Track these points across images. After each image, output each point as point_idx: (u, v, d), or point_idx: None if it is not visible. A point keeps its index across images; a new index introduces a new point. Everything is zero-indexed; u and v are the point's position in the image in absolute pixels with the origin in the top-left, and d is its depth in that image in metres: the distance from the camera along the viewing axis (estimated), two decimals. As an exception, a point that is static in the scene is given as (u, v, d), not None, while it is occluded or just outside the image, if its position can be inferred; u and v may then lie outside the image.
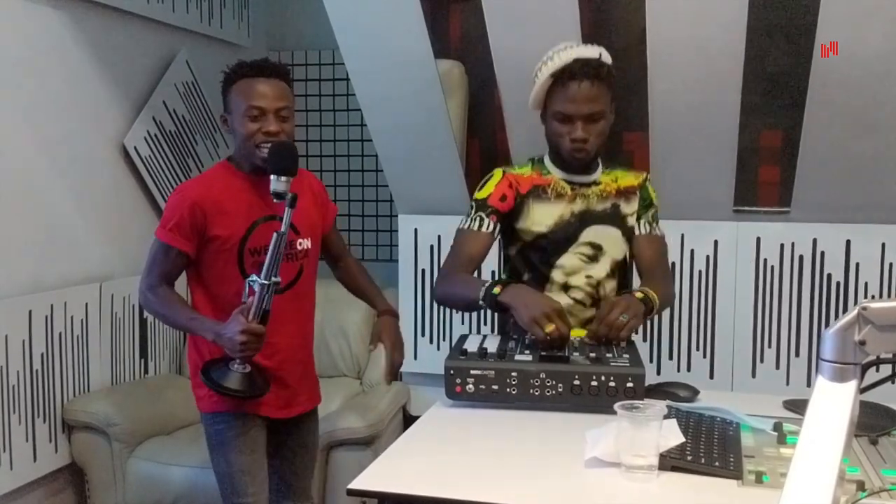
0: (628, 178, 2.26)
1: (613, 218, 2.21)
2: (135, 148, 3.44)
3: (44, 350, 2.98)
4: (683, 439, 1.44)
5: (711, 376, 3.27)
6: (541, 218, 2.18)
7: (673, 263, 3.11)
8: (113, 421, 3.05)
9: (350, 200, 4.36)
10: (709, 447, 1.48)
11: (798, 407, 1.78)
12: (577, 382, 1.72)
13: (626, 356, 1.81)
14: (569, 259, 2.18)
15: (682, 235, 3.26)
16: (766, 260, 3.20)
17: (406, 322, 3.55)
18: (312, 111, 4.39)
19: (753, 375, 3.24)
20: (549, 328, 1.85)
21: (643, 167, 3.37)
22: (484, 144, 3.69)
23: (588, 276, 2.18)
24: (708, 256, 3.25)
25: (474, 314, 3.47)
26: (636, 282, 2.27)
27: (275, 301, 2.10)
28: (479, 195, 2.22)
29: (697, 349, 3.30)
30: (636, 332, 2.00)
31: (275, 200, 2.06)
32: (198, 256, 2.18)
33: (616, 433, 1.42)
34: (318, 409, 2.49)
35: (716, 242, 3.24)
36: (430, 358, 3.53)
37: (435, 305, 3.53)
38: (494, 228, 2.19)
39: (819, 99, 2.83)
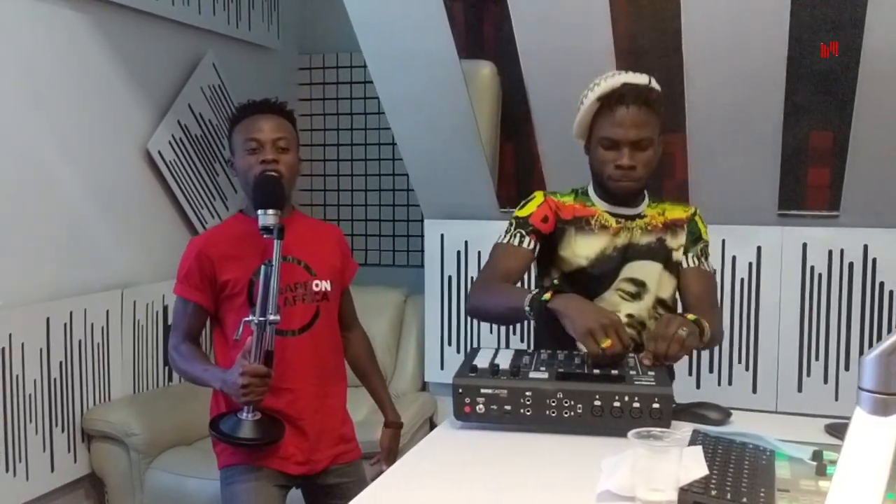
0: (676, 212, 2.13)
1: (658, 252, 2.07)
2: (159, 152, 3.38)
3: (62, 358, 2.93)
4: (707, 471, 1.29)
5: (754, 391, 3.10)
6: (583, 250, 2.05)
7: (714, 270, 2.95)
8: (131, 431, 2.99)
9: (380, 205, 4.27)
10: (737, 480, 1.33)
11: (842, 432, 1.62)
12: (597, 403, 1.58)
13: (652, 374, 1.67)
14: (609, 296, 2.05)
15: (724, 241, 3.09)
16: (813, 267, 3.02)
17: (432, 330, 3.44)
18: (343, 115, 4.32)
19: (800, 390, 3.06)
20: (606, 343, 1.67)
21: (676, 169, 3.25)
22: (518, 147, 3.57)
23: (630, 316, 2.04)
24: (751, 263, 3.08)
25: (502, 327, 3.33)
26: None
27: (290, 344, 2.03)
28: (519, 213, 2.11)
29: (739, 361, 3.12)
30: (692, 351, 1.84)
31: (264, 236, 1.97)
32: (216, 309, 2.12)
33: (632, 463, 1.28)
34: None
35: (759, 248, 3.07)
36: (456, 367, 3.39)
37: (462, 313, 3.40)
38: (535, 248, 2.07)
39: (868, 97, 2.65)
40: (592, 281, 2.05)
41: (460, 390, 1.63)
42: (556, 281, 2.03)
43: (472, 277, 3.35)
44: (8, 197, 2.75)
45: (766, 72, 2.68)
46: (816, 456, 1.45)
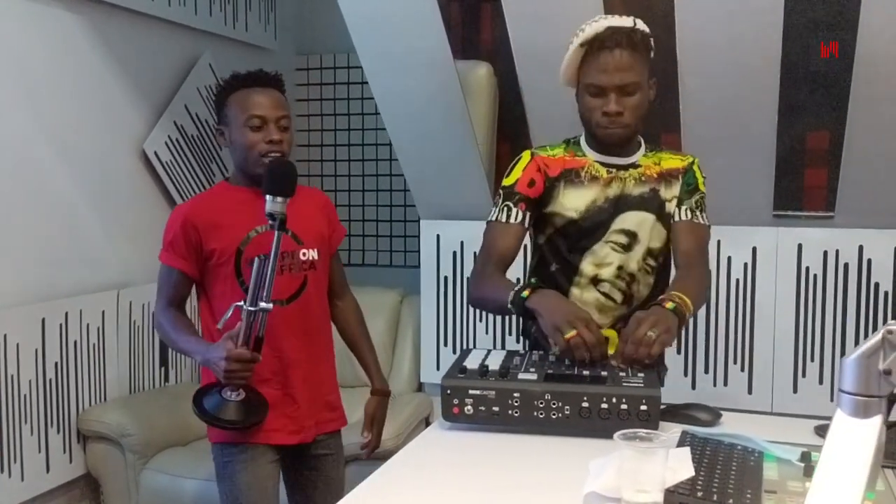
0: (673, 161, 2.07)
1: (650, 203, 2.02)
2: (155, 153, 3.39)
3: (58, 359, 2.93)
4: (693, 473, 1.29)
5: (750, 391, 3.10)
6: (571, 203, 2.02)
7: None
8: (127, 431, 2.99)
9: (376, 205, 4.27)
10: (723, 481, 1.33)
11: (830, 433, 1.62)
12: (585, 405, 1.58)
13: (641, 375, 1.66)
14: (601, 248, 2.02)
15: (719, 242, 3.09)
16: (808, 268, 3.01)
17: (428, 331, 3.44)
18: (341, 115, 4.31)
19: (795, 391, 3.05)
20: (570, 333, 1.69)
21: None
22: (515, 147, 3.56)
23: (619, 268, 2.02)
24: (746, 264, 3.08)
25: (500, 320, 3.34)
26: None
27: (278, 313, 2.01)
28: (506, 181, 2.07)
29: (735, 362, 3.12)
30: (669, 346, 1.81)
31: (269, 221, 1.96)
32: (202, 276, 2.11)
33: (618, 465, 1.28)
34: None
35: (754, 249, 3.06)
36: (453, 369, 3.41)
37: (458, 313, 3.40)
38: (524, 218, 2.04)
39: (863, 98, 2.65)
40: (584, 233, 2.03)
41: (448, 391, 1.63)
42: (533, 280, 2.01)
43: (467, 278, 3.34)
44: (3, 197, 2.75)
45: (761, 72, 2.68)
46: (804, 457, 1.45)
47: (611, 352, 1.83)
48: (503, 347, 3.32)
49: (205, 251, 2.07)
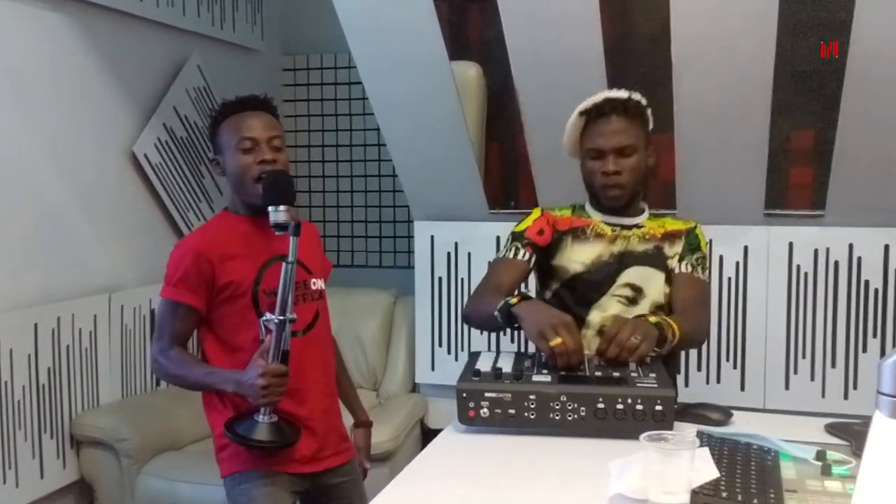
0: (676, 225, 2.19)
1: (655, 259, 2.11)
2: (145, 155, 3.36)
3: (51, 364, 2.90)
4: (717, 474, 1.31)
5: (742, 388, 3.13)
6: (578, 256, 2.11)
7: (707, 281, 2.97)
8: (122, 436, 2.97)
9: (367, 206, 4.27)
10: (745, 481, 1.35)
11: (843, 431, 1.64)
12: (601, 406, 1.59)
13: (653, 376, 1.68)
14: (607, 301, 2.08)
15: (711, 241, 3.10)
16: (799, 266, 3.05)
17: (422, 332, 3.44)
18: (328, 116, 4.31)
19: (787, 387, 3.09)
20: (555, 341, 1.72)
21: (663, 169, 3.27)
22: (504, 148, 3.58)
23: None
24: (738, 262, 3.11)
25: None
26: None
27: (295, 345, 1.97)
28: (516, 229, 2.19)
29: (727, 360, 3.15)
30: (648, 359, 1.84)
31: (276, 233, 1.93)
32: (209, 310, 2.03)
33: (643, 466, 1.29)
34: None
35: (746, 248, 3.10)
36: (447, 369, 3.41)
37: (452, 315, 3.40)
38: (530, 259, 2.14)
39: (855, 97, 2.68)
40: (590, 286, 2.09)
41: (464, 395, 1.63)
42: (514, 297, 2.01)
43: (462, 279, 3.35)
44: (-5, 202, 2.72)
45: (754, 73, 2.71)
46: (820, 456, 1.47)
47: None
48: (498, 348, 3.33)
49: (218, 285, 2.00)
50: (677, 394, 1.70)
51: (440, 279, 3.39)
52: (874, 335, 2.99)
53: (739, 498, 1.29)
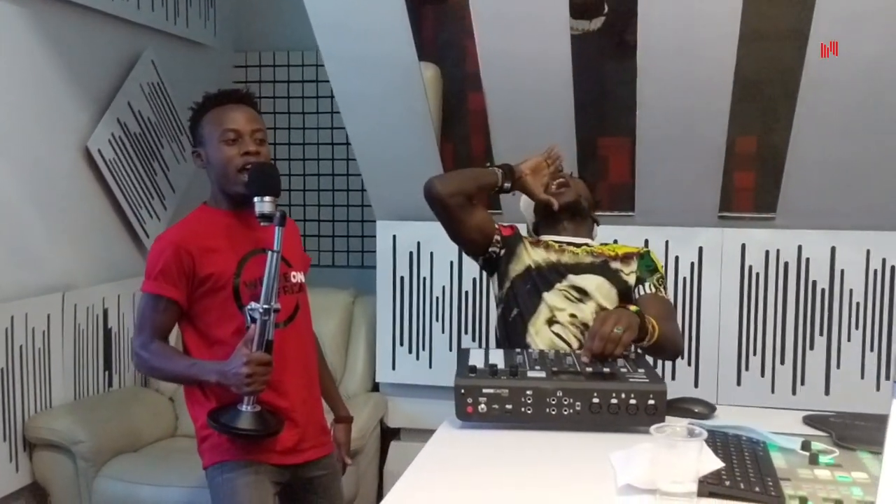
0: (627, 249, 2.31)
1: (602, 269, 2.22)
2: (98, 151, 3.28)
3: (3, 364, 2.81)
4: (722, 464, 1.37)
5: (696, 385, 3.23)
6: (531, 256, 2.24)
7: (664, 267, 3.06)
8: (78, 438, 2.89)
9: (319, 205, 4.25)
10: (743, 470, 1.41)
11: (821, 423, 1.73)
12: (595, 400, 1.64)
13: (643, 371, 1.74)
14: (555, 295, 2.18)
15: (667, 242, 3.21)
16: (751, 266, 3.16)
17: (384, 331, 3.45)
18: (280, 114, 4.27)
19: (739, 384, 3.20)
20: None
21: (621, 173, 3.36)
22: (458, 148, 3.61)
23: (573, 316, 2.16)
24: (693, 263, 3.21)
25: (456, 319, 3.38)
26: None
27: (277, 336, 1.98)
28: None
29: (682, 357, 3.24)
30: (632, 355, 1.91)
31: (262, 223, 1.96)
32: (190, 303, 2.04)
33: (652, 458, 1.34)
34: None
35: (700, 249, 3.20)
36: (408, 368, 3.43)
37: (414, 314, 3.42)
38: (498, 232, 2.30)
39: (808, 105, 2.80)
40: (539, 280, 2.20)
41: (462, 391, 1.66)
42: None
43: (424, 278, 3.37)
44: (-52, 197, 2.62)
45: (714, 81, 2.80)
46: (805, 446, 1.55)
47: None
48: (459, 346, 3.36)
49: (198, 277, 2.01)
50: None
51: (402, 278, 3.40)
52: (821, 333, 3.13)
53: (742, 486, 1.35)
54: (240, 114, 2.06)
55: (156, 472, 2.93)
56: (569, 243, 2.27)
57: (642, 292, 2.20)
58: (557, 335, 2.14)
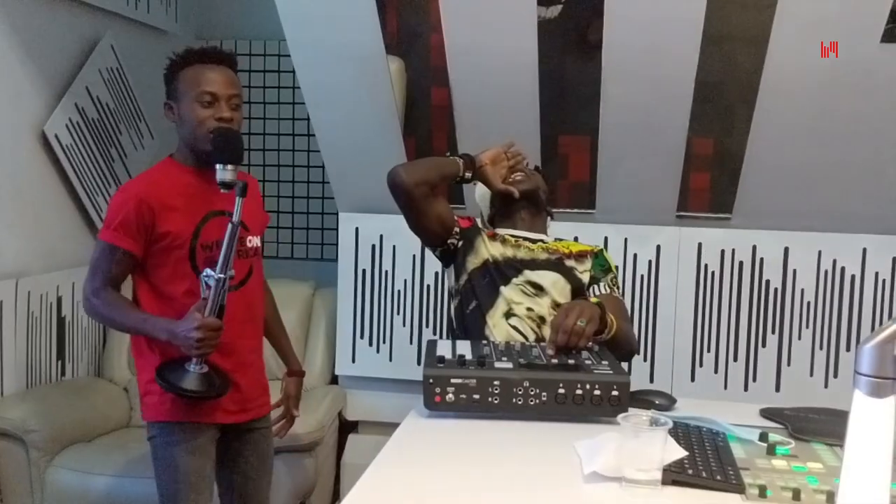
0: (580, 247, 2.33)
1: (557, 266, 2.24)
2: (55, 136, 3.22)
3: (-45, 352, 2.76)
4: (686, 453, 1.40)
5: (651, 380, 3.29)
6: (487, 251, 2.24)
7: (616, 267, 3.12)
8: (30, 427, 2.85)
9: (279, 196, 4.22)
10: (705, 460, 1.45)
11: (776, 416, 1.78)
12: (561, 391, 1.67)
13: (606, 363, 1.77)
14: (512, 290, 2.20)
15: (626, 240, 3.26)
16: (706, 265, 3.23)
17: (344, 324, 3.44)
18: (243, 103, 4.22)
19: (692, 379, 3.27)
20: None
21: (581, 171, 3.40)
22: (420, 143, 3.61)
23: (529, 309, 2.18)
24: (650, 261, 3.26)
25: (417, 313, 3.39)
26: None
27: (228, 299, 2.01)
28: None
29: (638, 353, 3.30)
30: (595, 347, 1.94)
31: (222, 190, 1.99)
32: (145, 256, 2.06)
33: (617, 446, 1.37)
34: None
35: (658, 247, 3.25)
36: (368, 361, 3.43)
37: (375, 307, 3.42)
38: (455, 222, 2.30)
39: (766, 109, 2.87)
40: (496, 274, 2.21)
41: (431, 380, 1.67)
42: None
43: (386, 271, 3.38)
44: None
45: (676, 83, 2.85)
46: (763, 437, 1.59)
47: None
48: (420, 340, 3.37)
49: (157, 233, 2.04)
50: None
51: (364, 271, 3.40)
52: (773, 331, 3.21)
53: (704, 475, 1.38)
54: (219, 75, 2.06)
55: (109, 462, 2.89)
56: (525, 238, 2.28)
57: (597, 292, 2.24)
58: (514, 328, 2.16)
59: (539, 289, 2.20)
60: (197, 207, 2.07)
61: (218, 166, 1.97)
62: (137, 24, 3.74)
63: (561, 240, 2.36)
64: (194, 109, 2.04)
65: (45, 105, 3.20)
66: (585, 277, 2.25)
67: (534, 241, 2.28)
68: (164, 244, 2.04)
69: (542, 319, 2.17)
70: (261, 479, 2.30)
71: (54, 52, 3.23)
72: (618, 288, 2.30)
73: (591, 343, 1.90)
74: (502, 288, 2.19)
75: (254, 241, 2.20)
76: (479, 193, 2.47)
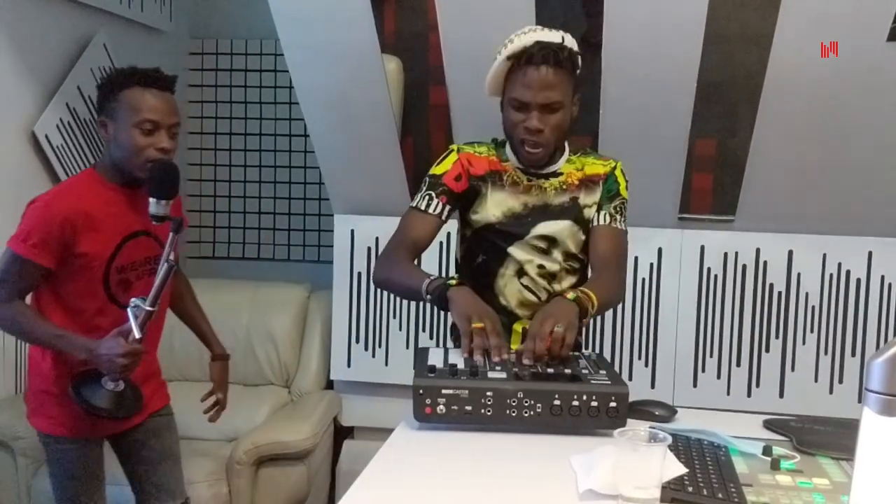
0: (595, 167, 2.11)
1: (570, 212, 2.08)
2: (46, 136, 3.17)
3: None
4: (686, 469, 1.34)
5: (653, 386, 3.23)
6: (492, 207, 2.07)
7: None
8: (18, 434, 2.78)
9: (275, 198, 4.17)
10: (706, 476, 1.39)
11: (781, 427, 1.71)
12: (557, 402, 1.60)
13: (604, 373, 1.70)
14: (521, 249, 2.07)
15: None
16: (709, 268, 3.17)
17: (339, 327, 3.38)
18: (237, 103, 4.18)
19: (695, 385, 3.21)
20: (478, 324, 1.76)
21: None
22: (418, 143, 3.56)
23: (540, 266, 2.07)
24: (652, 264, 3.20)
25: (415, 316, 3.33)
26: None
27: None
28: (434, 170, 2.11)
29: (639, 358, 3.24)
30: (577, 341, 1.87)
31: (154, 223, 2.00)
32: (57, 270, 2.04)
33: (614, 462, 1.31)
34: (236, 419, 2.59)
35: (660, 250, 3.19)
36: (364, 366, 3.37)
37: (371, 310, 3.36)
38: (443, 210, 2.09)
39: (770, 110, 2.81)
40: (502, 236, 2.08)
41: (421, 391, 1.61)
42: (452, 279, 1.96)
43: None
44: None
45: (678, 83, 2.79)
46: (767, 451, 1.53)
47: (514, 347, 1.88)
48: (416, 344, 3.31)
49: (74, 251, 2.01)
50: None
51: (359, 274, 3.34)
52: (777, 336, 3.14)
53: (704, 492, 1.32)
54: (162, 103, 2.04)
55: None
56: (537, 174, 2.08)
57: (597, 222, 2.08)
58: (527, 287, 2.07)
59: (551, 241, 2.07)
60: (117, 229, 2.07)
61: (152, 200, 1.97)
62: (131, 23, 3.68)
63: (579, 155, 2.12)
64: (133, 136, 2.01)
65: (36, 105, 3.14)
66: (592, 211, 2.09)
67: (546, 177, 2.08)
68: (79, 263, 2.03)
69: (553, 276, 2.08)
70: (165, 463, 2.31)
71: (45, 50, 3.18)
72: (623, 217, 2.10)
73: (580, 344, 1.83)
74: (510, 249, 2.06)
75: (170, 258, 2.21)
76: (491, 81, 2.07)
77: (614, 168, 2.14)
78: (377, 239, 3.29)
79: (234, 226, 4.21)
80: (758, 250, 3.13)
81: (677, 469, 1.33)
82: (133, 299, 1.99)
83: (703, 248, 3.16)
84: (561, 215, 2.07)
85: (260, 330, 3.41)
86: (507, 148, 2.11)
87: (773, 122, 2.83)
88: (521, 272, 2.08)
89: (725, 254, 3.15)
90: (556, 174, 2.09)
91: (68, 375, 2.06)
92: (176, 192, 2.02)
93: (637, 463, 1.27)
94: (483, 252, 2.10)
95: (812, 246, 3.09)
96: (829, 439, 1.61)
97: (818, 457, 1.55)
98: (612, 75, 2.79)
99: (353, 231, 3.33)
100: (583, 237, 2.10)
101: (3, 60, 2.96)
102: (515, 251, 2.07)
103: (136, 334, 1.96)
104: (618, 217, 2.10)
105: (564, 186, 2.08)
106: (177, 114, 2.07)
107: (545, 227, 2.06)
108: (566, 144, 2.11)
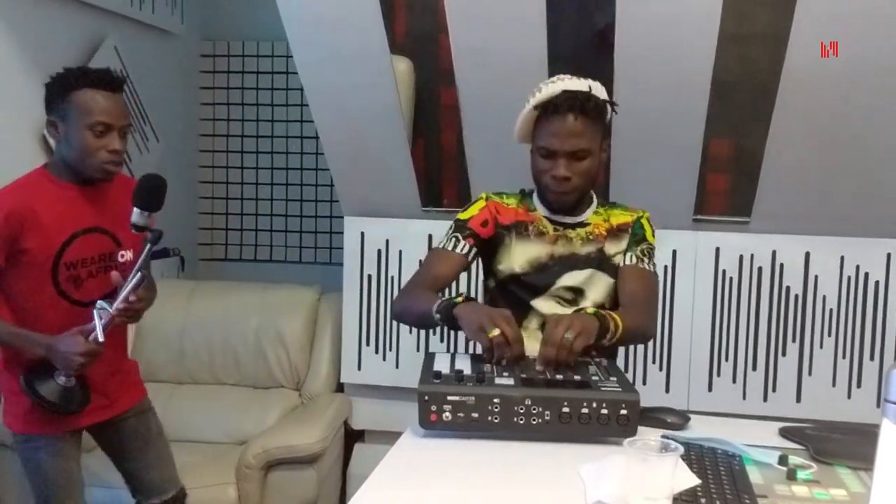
0: (623, 217, 2.12)
1: (598, 262, 2.07)
2: (56, 139, 3.16)
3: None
4: (698, 480, 1.30)
5: (667, 390, 3.18)
6: (518, 258, 2.06)
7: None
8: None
9: (287, 200, 4.16)
10: (719, 486, 1.35)
11: (797, 435, 1.67)
12: (566, 410, 1.57)
13: (615, 379, 1.67)
14: (545, 302, 2.05)
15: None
16: (724, 271, 3.12)
17: (350, 330, 3.36)
18: (248, 105, 4.18)
19: (710, 389, 3.16)
20: (493, 332, 1.72)
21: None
22: (429, 144, 3.53)
23: None
24: (666, 266, 3.15)
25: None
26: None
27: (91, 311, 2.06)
28: (461, 216, 2.12)
29: (654, 361, 3.20)
30: (591, 353, 1.83)
31: (133, 231, 2.02)
32: (5, 267, 2.06)
33: (624, 472, 1.27)
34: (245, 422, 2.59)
35: (674, 252, 3.14)
36: (375, 368, 3.34)
37: (381, 313, 3.33)
38: (469, 252, 2.08)
39: (786, 109, 2.76)
40: (527, 288, 2.06)
41: (426, 398, 1.58)
42: (459, 297, 1.93)
43: (392, 276, 3.28)
44: None
45: (692, 83, 2.74)
46: (783, 461, 1.49)
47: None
48: (427, 348, 3.28)
49: (19, 247, 2.04)
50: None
51: (370, 276, 3.31)
52: (793, 340, 3.09)
53: (718, 504, 1.28)
54: (113, 105, 2.06)
55: (104, 472, 2.79)
56: (564, 224, 2.07)
57: (623, 263, 2.07)
58: None
59: (577, 293, 2.05)
60: (64, 226, 2.08)
61: (136, 210, 1.99)
62: (142, 25, 3.68)
63: (605, 207, 2.12)
64: (85, 138, 2.04)
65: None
66: (617, 259, 2.08)
67: (573, 227, 2.08)
68: (24, 259, 2.05)
69: None
70: (150, 458, 2.37)
71: (56, 53, 3.17)
72: (650, 260, 2.08)
73: (593, 353, 1.80)
74: (534, 302, 2.05)
75: (126, 255, 2.22)
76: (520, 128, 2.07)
77: (640, 217, 2.15)
78: (387, 241, 3.27)
79: (246, 228, 4.21)
80: (774, 252, 3.08)
81: (689, 480, 1.30)
82: (99, 301, 2.01)
83: (718, 249, 3.11)
84: (587, 265, 2.06)
85: (270, 332, 3.39)
86: (535, 197, 2.12)
87: (788, 122, 2.78)
88: (544, 326, 2.03)
89: (741, 255, 3.10)
90: (582, 224, 2.09)
91: (19, 369, 2.09)
92: (161, 206, 2.03)
93: (647, 473, 1.24)
94: (506, 305, 2.05)
95: (829, 248, 3.04)
96: (846, 448, 1.57)
97: (836, 466, 1.51)
98: (625, 75, 2.75)
99: (363, 233, 3.30)
100: (609, 283, 2.08)
101: (14, 63, 2.96)
102: (539, 304, 2.05)
103: (100, 337, 1.98)
104: (645, 259, 2.09)
105: (591, 237, 2.08)
106: (128, 115, 2.11)
107: (571, 278, 2.06)
108: (594, 196, 2.13)
